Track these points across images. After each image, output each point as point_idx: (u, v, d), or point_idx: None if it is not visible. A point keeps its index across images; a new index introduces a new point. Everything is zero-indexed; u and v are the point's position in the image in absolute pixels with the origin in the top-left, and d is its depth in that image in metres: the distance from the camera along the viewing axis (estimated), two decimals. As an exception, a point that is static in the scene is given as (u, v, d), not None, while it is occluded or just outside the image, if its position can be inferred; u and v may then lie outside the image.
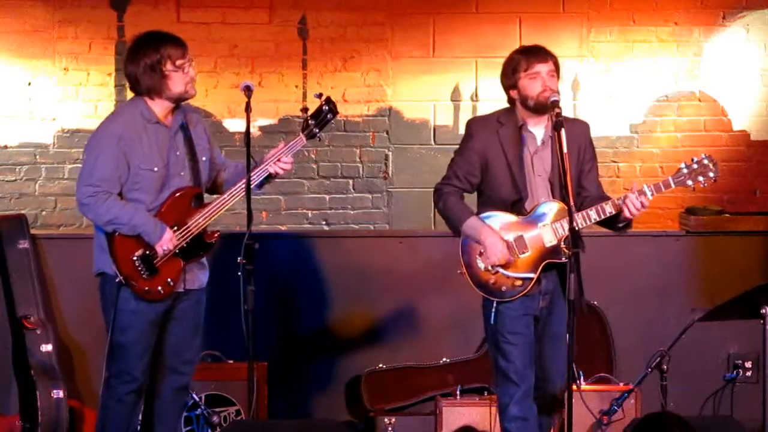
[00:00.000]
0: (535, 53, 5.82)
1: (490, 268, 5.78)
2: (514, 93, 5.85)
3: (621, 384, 7.15)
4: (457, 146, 6.00)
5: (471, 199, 6.00)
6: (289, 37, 8.21)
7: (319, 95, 6.09)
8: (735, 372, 7.54)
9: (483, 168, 5.85)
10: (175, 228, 5.89)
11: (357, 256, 7.75)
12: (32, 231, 7.48)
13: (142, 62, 5.85)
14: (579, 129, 5.91)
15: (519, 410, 5.83)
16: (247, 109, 6.00)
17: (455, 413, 7.04)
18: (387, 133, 8.26)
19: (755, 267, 7.64)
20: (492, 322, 5.79)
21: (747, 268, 7.59)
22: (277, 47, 8.21)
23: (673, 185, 5.79)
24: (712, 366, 7.62)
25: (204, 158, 6.03)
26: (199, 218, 5.92)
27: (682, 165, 5.82)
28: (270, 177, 6.05)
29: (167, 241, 5.85)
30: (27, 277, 7.23)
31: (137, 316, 5.89)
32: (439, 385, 7.44)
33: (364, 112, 8.24)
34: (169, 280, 5.90)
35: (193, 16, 8.16)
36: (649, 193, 5.73)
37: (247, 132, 5.98)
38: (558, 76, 5.86)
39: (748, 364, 7.59)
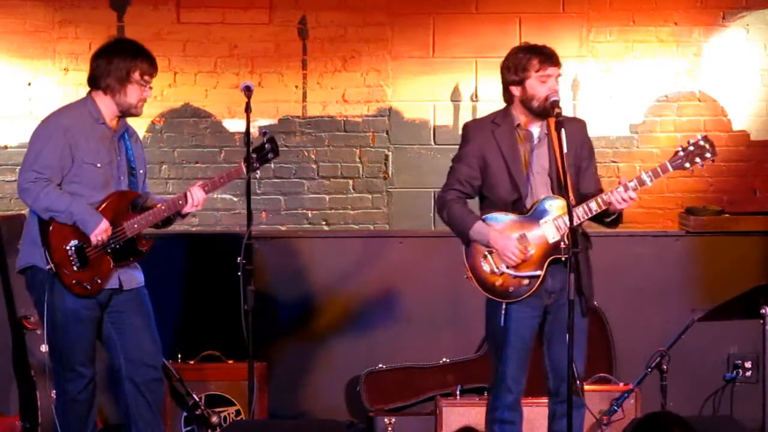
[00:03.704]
0: (549, 56, 5.76)
1: (496, 270, 5.77)
2: (516, 90, 5.79)
3: (621, 384, 7.15)
4: (457, 148, 5.99)
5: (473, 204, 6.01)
6: (289, 37, 8.22)
7: (264, 133, 6.09)
8: (735, 372, 7.53)
9: (483, 170, 5.82)
10: (111, 226, 5.89)
11: (357, 256, 7.74)
12: (32, 231, 7.47)
13: (116, 59, 5.90)
14: (576, 127, 5.87)
15: (509, 415, 5.86)
16: (247, 109, 6.02)
17: (455, 413, 7.03)
18: (387, 133, 8.27)
19: (755, 267, 7.63)
20: (501, 323, 5.78)
21: (747, 268, 7.59)
22: (277, 47, 8.21)
23: (670, 169, 5.73)
24: (712, 366, 7.61)
25: (141, 171, 6.07)
26: (135, 222, 5.90)
27: (679, 148, 5.77)
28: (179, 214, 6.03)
29: (102, 231, 5.84)
30: (27, 277, 7.22)
31: (72, 315, 5.88)
32: (439, 385, 7.44)
33: (364, 112, 8.25)
34: (97, 278, 5.89)
35: (193, 16, 8.16)
36: (648, 180, 5.70)
37: (247, 132, 6.00)
38: None
39: (748, 364, 7.59)
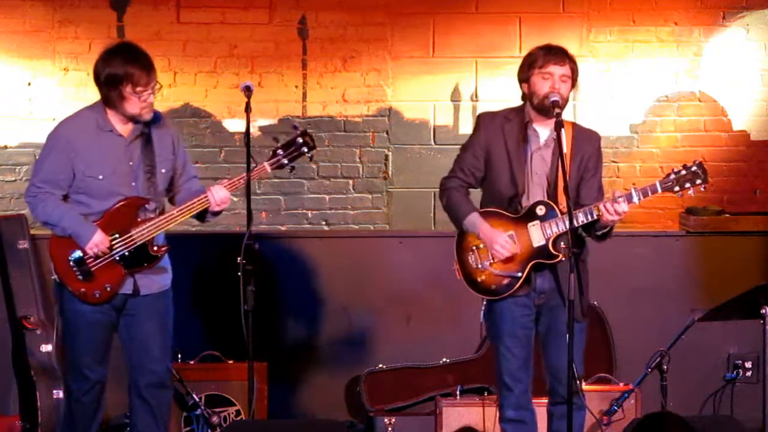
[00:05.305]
0: (554, 54, 5.78)
1: (479, 265, 5.80)
2: (524, 86, 5.83)
3: (621, 384, 7.15)
4: (459, 145, 6.02)
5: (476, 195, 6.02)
6: (289, 37, 8.21)
7: (295, 126, 6.03)
8: (735, 372, 7.54)
9: (486, 162, 5.86)
10: (117, 235, 5.83)
11: (357, 256, 7.75)
12: (32, 231, 7.47)
13: (107, 70, 5.80)
14: (587, 138, 5.89)
15: (515, 413, 5.87)
16: (247, 109, 6.02)
17: (455, 413, 7.03)
18: (387, 133, 8.26)
19: (755, 267, 7.64)
20: (482, 319, 5.83)
21: (747, 268, 7.59)
22: (277, 47, 8.21)
23: (659, 190, 5.72)
24: (712, 366, 7.62)
25: (164, 170, 5.94)
26: (143, 229, 5.85)
27: (673, 170, 5.76)
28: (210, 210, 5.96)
29: (96, 244, 5.79)
30: (27, 277, 7.23)
31: (82, 317, 5.87)
32: (439, 385, 7.44)
33: (364, 112, 8.25)
34: (107, 286, 5.85)
35: (193, 16, 8.16)
36: (636, 198, 5.69)
37: (247, 132, 6.00)
38: (573, 83, 5.83)
39: (748, 364, 7.60)
